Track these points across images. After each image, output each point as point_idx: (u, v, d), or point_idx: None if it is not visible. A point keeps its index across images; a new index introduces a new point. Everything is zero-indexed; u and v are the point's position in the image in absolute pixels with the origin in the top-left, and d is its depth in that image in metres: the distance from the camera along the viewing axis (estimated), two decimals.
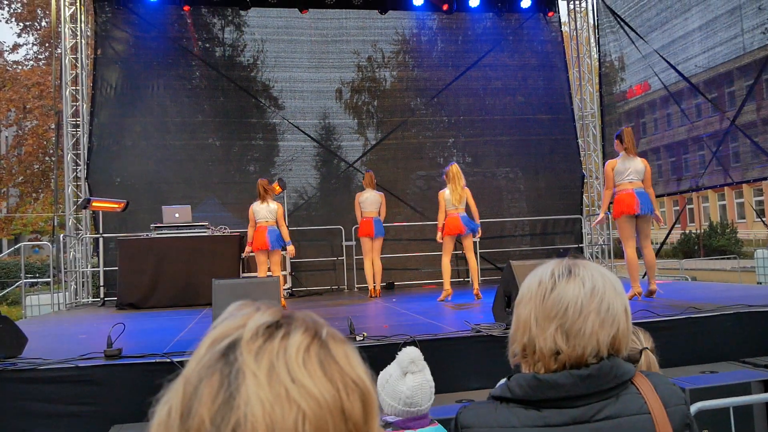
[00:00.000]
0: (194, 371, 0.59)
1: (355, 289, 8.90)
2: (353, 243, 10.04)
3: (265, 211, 7.52)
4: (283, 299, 7.51)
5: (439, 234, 7.60)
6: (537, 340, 1.17)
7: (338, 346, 0.61)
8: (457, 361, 4.45)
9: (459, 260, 10.68)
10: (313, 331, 0.61)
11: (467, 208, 7.59)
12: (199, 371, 0.59)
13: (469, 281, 10.59)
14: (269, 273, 7.52)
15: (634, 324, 1.80)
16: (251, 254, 7.82)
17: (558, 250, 11.00)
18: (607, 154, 11.44)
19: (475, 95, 11.72)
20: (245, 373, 0.56)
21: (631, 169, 6.38)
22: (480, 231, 7.69)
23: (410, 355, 2.31)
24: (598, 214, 6.91)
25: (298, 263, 10.31)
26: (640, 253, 6.50)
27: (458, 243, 8.03)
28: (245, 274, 9.17)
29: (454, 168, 7.53)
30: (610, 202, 6.62)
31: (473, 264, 7.75)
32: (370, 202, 8.70)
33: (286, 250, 7.68)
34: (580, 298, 1.17)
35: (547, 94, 11.87)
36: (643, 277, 7.58)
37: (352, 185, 11.29)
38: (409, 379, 2.24)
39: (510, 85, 11.77)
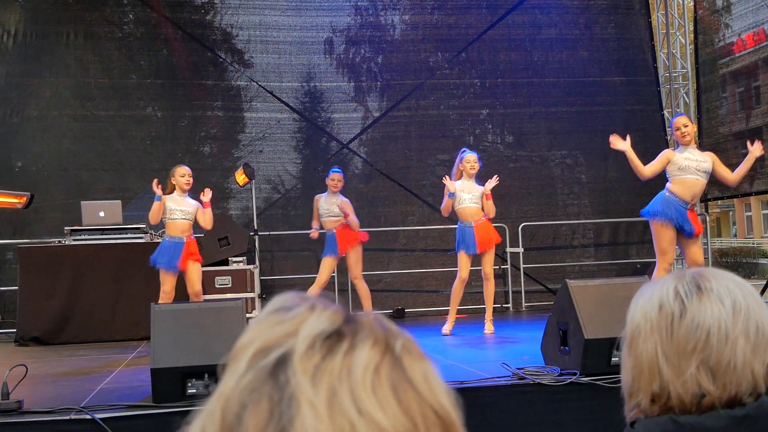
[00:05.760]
0: (235, 393, 0.62)
1: None
2: None
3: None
4: None
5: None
6: (672, 385, 1.21)
7: (415, 363, 0.64)
8: (489, 419, 4.45)
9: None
10: (384, 343, 0.64)
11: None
12: (241, 394, 0.62)
13: (509, 308, 10.60)
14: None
15: None
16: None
17: (634, 266, 10.96)
18: (705, 131, 11.40)
19: (518, 49, 11.70)
20: (300, 401, 0.60)
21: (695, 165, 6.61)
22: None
23: None
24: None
25: (270, 282, 10.30)
26: None
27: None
28: None
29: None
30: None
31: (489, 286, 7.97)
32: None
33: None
34: (722, 321, 1.20)
35: (620, 48, 11.86)
36: None
37: (347, 174, 11.27)
38: None
39: (569, 35, 11.75)
